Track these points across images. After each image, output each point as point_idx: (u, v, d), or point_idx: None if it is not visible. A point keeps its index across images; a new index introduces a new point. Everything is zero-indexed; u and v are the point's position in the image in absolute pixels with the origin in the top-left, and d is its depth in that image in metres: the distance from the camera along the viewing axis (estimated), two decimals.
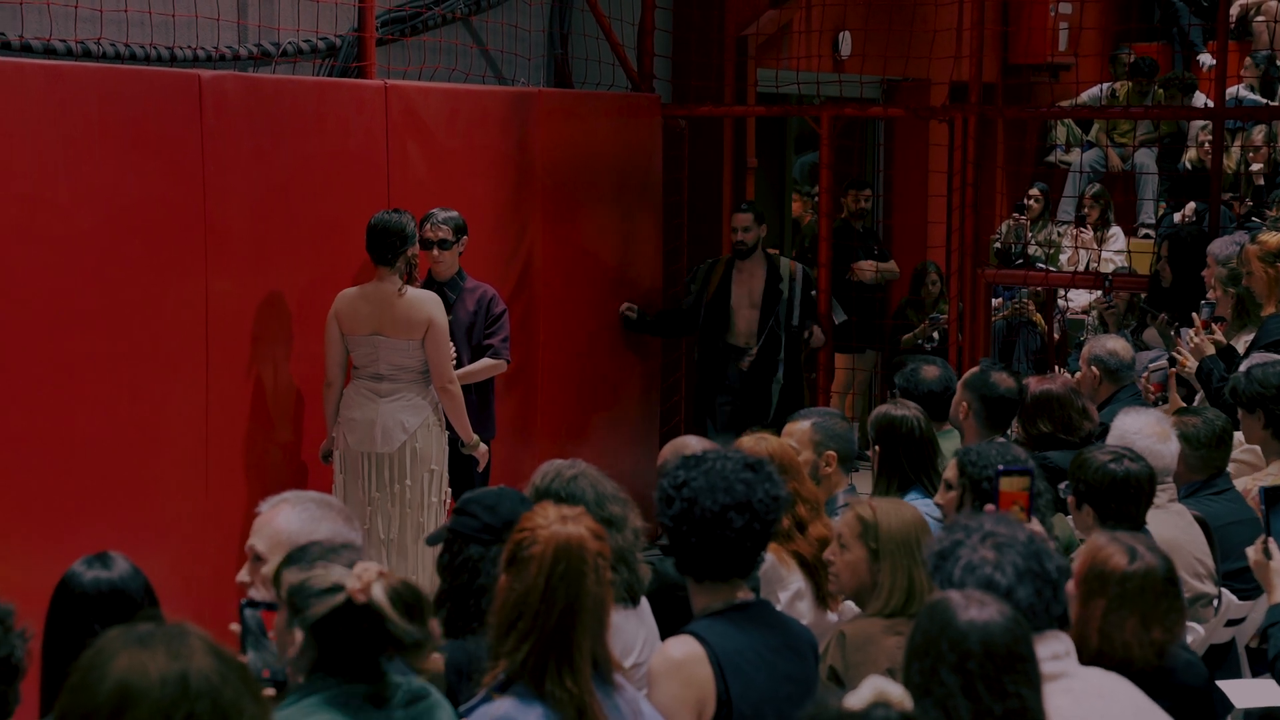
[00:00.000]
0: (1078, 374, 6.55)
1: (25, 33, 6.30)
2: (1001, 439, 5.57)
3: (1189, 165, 11.67)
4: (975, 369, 5.74)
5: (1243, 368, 6.02)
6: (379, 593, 2.83)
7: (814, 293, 9.16)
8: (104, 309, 6.02)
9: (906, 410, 5.13)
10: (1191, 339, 6.71)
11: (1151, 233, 11.80)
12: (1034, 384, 5.72)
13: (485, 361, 7.25)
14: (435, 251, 7.19)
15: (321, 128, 7.01)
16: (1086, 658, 3.37)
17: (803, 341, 9.12)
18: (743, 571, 3.43)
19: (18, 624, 2.79)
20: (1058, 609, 3.22)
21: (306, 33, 7.55)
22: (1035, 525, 3.98)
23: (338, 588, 2.85)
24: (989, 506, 4.00)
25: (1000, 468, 4.02)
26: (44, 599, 3.34)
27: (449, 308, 7.07)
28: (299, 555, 2.98)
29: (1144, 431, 5.10)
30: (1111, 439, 5.14)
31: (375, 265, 6.83)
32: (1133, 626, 3.49)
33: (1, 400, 5.64)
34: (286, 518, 3.35)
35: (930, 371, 5.84)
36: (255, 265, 6.70)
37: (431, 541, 3.88)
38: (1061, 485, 4.76)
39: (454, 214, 7.25)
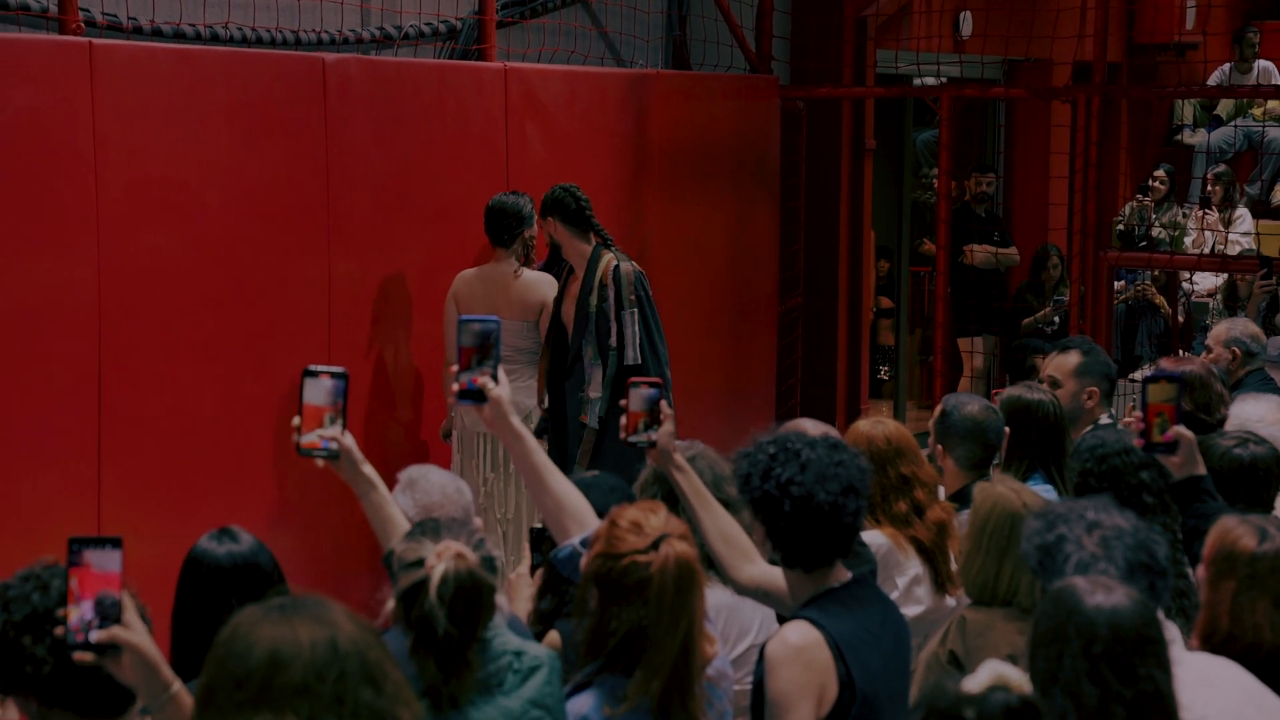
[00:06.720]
0: (1207, 356, 6.44)
1: (156, 18, 6.43)
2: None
3: None
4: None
5: None
6: (437, 572, 2.82)
7: (630, 310, 6.67)
8: (230, 289, 6.14)
9: (1042, 395, 5.04)
10: None
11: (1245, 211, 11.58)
12: (1171, 365, 5.63)
13: None
14: None
15: (442, 110, 7.08)
16: (1217, 640, 3.32)
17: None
18: (847, 552, 3.43)
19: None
20: (1167, 599, 3.17)
21: (428, 16, 7.62)
22: (1182, 430, 3.93)
23: (421, 562, 2.87)
24: (1135, 413, 3.94)
25: (1147, 374, 3.98)
26: (170, 574, 3.41)
27: None
28: (415, 529, 3.02)
29: (1266, 419, 5.01)
30: (1230, 426, 5.05)
31: (492, 247, 6.89)
32: (1264, 608, 3.41)
33: (131, 379, 5.77)
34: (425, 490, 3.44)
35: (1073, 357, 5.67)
36: (377, 246, 6.78)
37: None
38: None
39: None
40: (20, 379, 5.42)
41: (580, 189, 6.77)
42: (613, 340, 6.65)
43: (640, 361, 6.65)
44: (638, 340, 6.67)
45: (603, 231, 6.77)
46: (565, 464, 6.63)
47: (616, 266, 6.69)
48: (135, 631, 2.59)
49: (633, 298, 6.68)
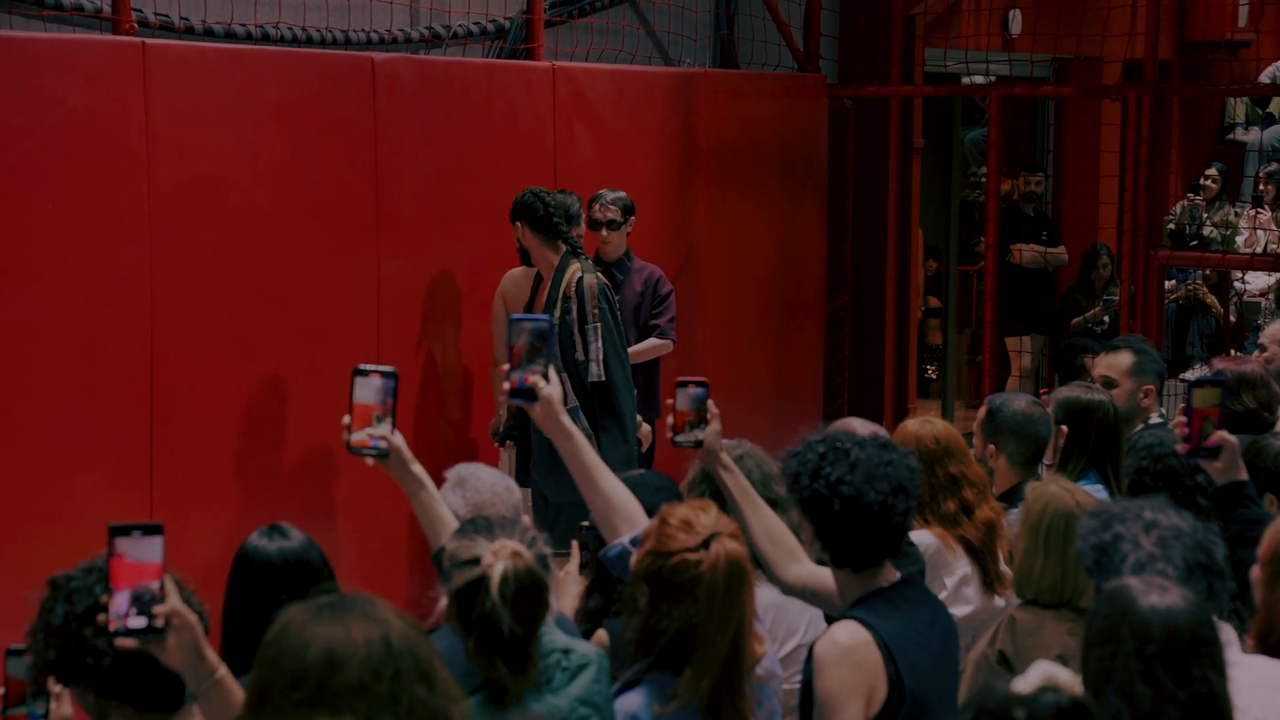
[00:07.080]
0: (1260, 355, 6.39)
1: (208, 18, 6.47)
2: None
3: None
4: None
5: None
6: (497, 571, 2.83)
7: (593, 325, 6.57)
8: (280, 287, 6.17)
9: (1101, 395, 5.01)
10: None
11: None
12: (1228, 364, 5.59)
13: (651, 341, 7.27)
14: (603, 232, 7.22)
15: (490, 109, 7.10)
16: (1273, 642, 3.29)
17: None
18: (896, 552, 3.41)
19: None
20: (1225, 600, 3.14)
21: (476, 15, 7.65)
22: (1226, 435, 3.90)
23: (476, 560, 2.88)
24: (1180, 418, 3.92)
25: (1192, 379, 3.93)
26: (218, 569, 3.43)
27: (616, 288, 7.09)
28: (467, 526, 3.03)
29: None
30: None
31: None
32: None
33: (183, 376, 5.81)
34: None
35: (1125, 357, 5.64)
36: (425, 245, 6.81)
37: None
38: None
39: (622, 194, 7.28)
40: (73, 375, 5.47)
41: (550, 194, 6.63)
42: (579, 353, 6.56)
43: (604, 379, 6.56)
44: (601, 355, 6.55)
45: (572, 239, 6.64)
46: (527, 472, 6.64)
47: (580, 279, 6.55)
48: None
49: (595, 311, 6.54)
